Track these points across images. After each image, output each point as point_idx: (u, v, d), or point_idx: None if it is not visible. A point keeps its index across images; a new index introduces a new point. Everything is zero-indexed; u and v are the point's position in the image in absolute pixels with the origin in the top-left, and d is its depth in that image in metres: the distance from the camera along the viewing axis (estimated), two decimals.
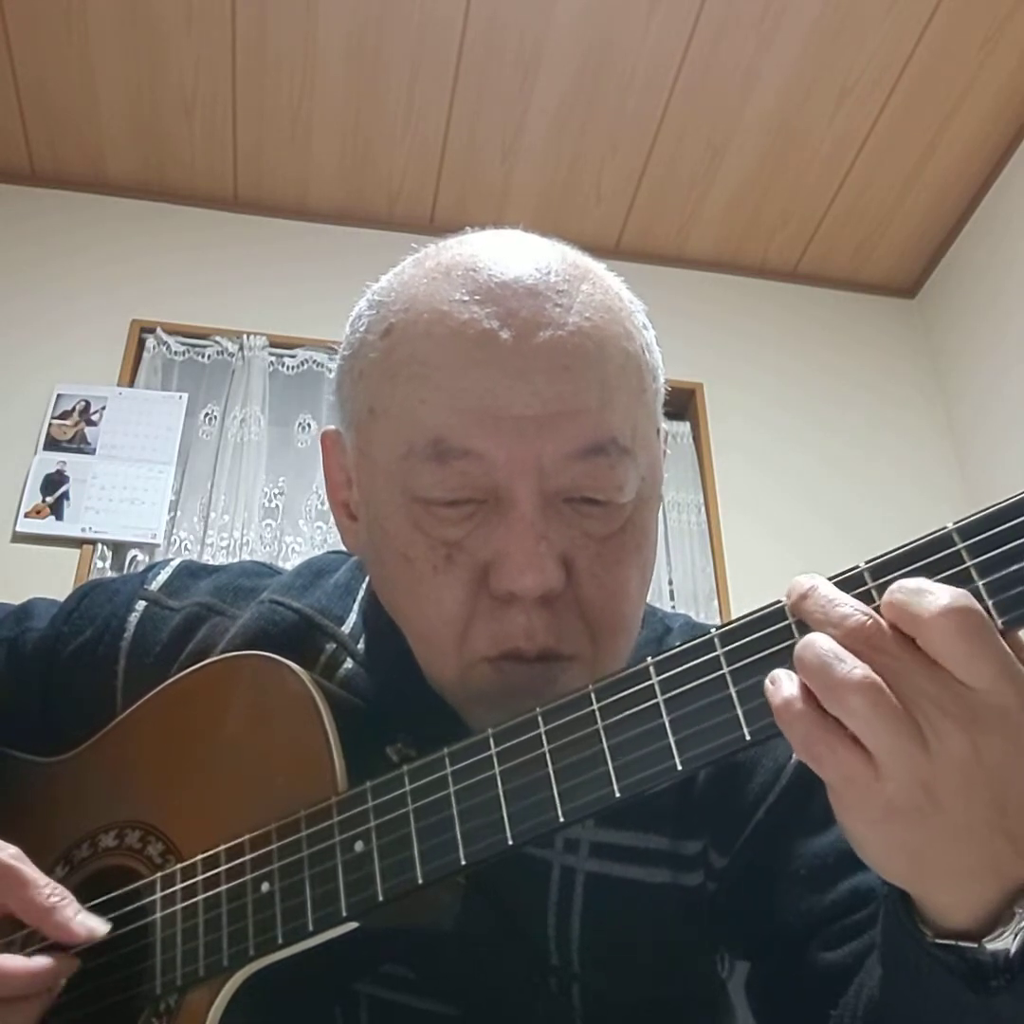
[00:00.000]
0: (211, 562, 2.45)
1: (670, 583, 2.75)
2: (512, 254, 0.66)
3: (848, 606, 0.49)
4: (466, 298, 0.64)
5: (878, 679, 0.47)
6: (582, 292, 0.65)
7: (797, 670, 0.49)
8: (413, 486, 0.64)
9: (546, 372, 0.62)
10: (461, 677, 0.65)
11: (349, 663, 0.76)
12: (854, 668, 0.47)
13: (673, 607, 2.66)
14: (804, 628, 0.51)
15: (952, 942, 0.49)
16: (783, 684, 0.49)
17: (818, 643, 0.48)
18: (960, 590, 0.47)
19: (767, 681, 0.50)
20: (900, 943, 0.53)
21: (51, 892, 0.66)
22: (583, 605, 0.64)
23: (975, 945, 0.49)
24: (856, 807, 0.49)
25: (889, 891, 0.53)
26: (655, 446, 0.70)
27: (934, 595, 0.47)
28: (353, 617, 0.78)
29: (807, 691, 0.48)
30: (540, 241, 0.70)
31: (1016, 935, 0.48)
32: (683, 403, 3.04)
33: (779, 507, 2.88)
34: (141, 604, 0.83)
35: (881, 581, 0.50)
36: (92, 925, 0.66)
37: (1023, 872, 0.48)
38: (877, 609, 0.49)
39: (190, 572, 0.86)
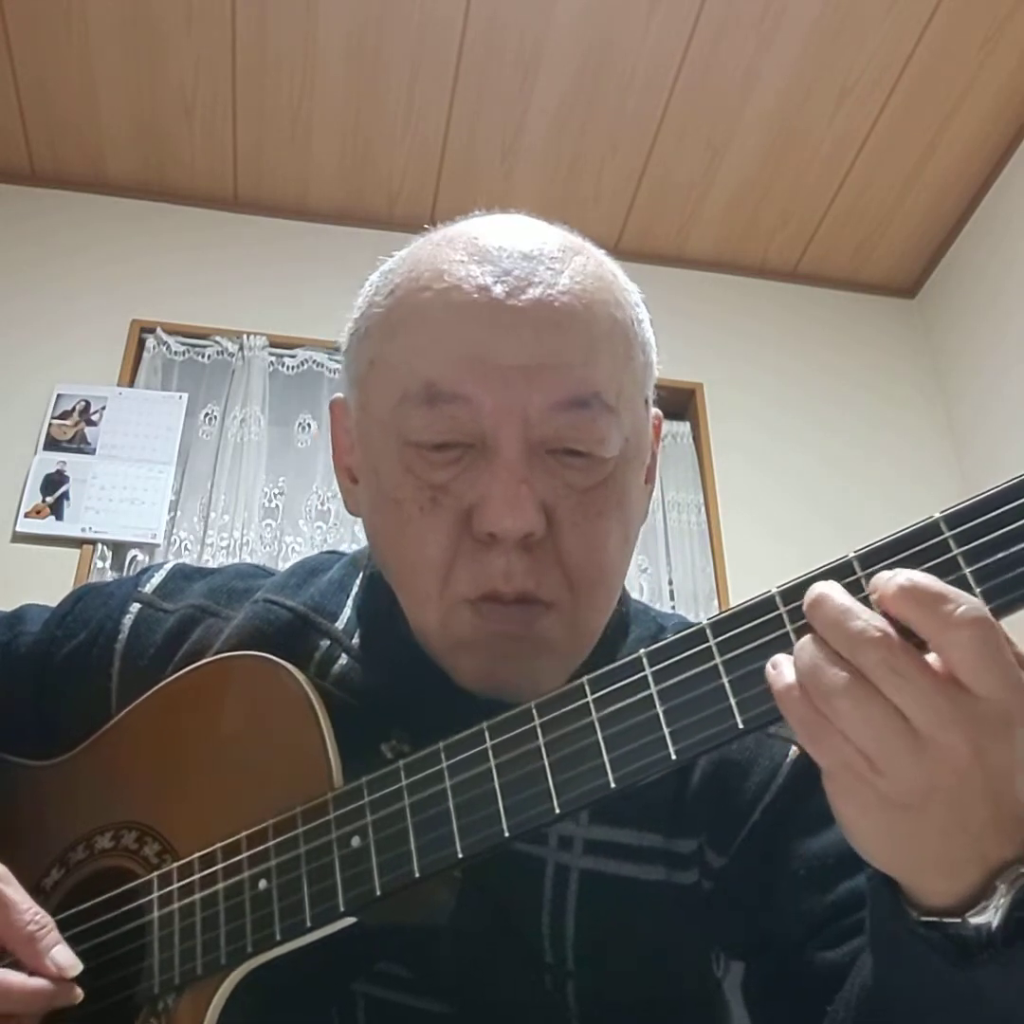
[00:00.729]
0: (211, 562, 2.46)
1: (670, 583, 2.75)
2: (514, 228, 0.71)
3: (861, 617, 0.48)
4: (464, 259, 0.68)
5: (867, 686, 0.47)
6: (575, 262, 0.69)
7: (795, 669, 0.50)
8: (405, 430, 0.66)
9: (534, 326, 0.65)
10: (443, 622, 0.67)
11: (344, 659, 0.76)
12: (839, 673, 0.48)
13: (673, 607, 2.66)
14: (796, 616, 0.52)
15: (936, 919, 0.50)
16: (784, 669, 0.50)
17: (808, 646, 0.49)
18: (977, 601, 0.47)
19: (768, 666, 0.51)
20: (887, 925, 0.53)
21: (31, 919, 0.65)
22: (562, 554, 0.66)
23: (958, 920, 0.49)
24: (848, 794, 0.49)
25: (875, 875, 0.53)
26: (642, 414, 0.72)
27: (955, 604, 0.47)
28: (347, 613, 0.79)
29: None
30: (544, 223, 0.73)
31: (998, 909, 0.49)
32: (683, 403, 3.04)
33: (779, 507, 2.88)
34: (135, 607, 0.83)
35: (869, 570, 0.51)
36: (64, 964, 0.65)
37: (1006, 853, 0.49)
38: (872, 600, 0.49)
39: (184, 575, 0.86)
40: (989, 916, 0.49)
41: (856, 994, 0.61)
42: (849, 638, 0.48)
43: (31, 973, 0.65)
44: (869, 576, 0.51)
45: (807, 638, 0.50)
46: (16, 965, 0.65)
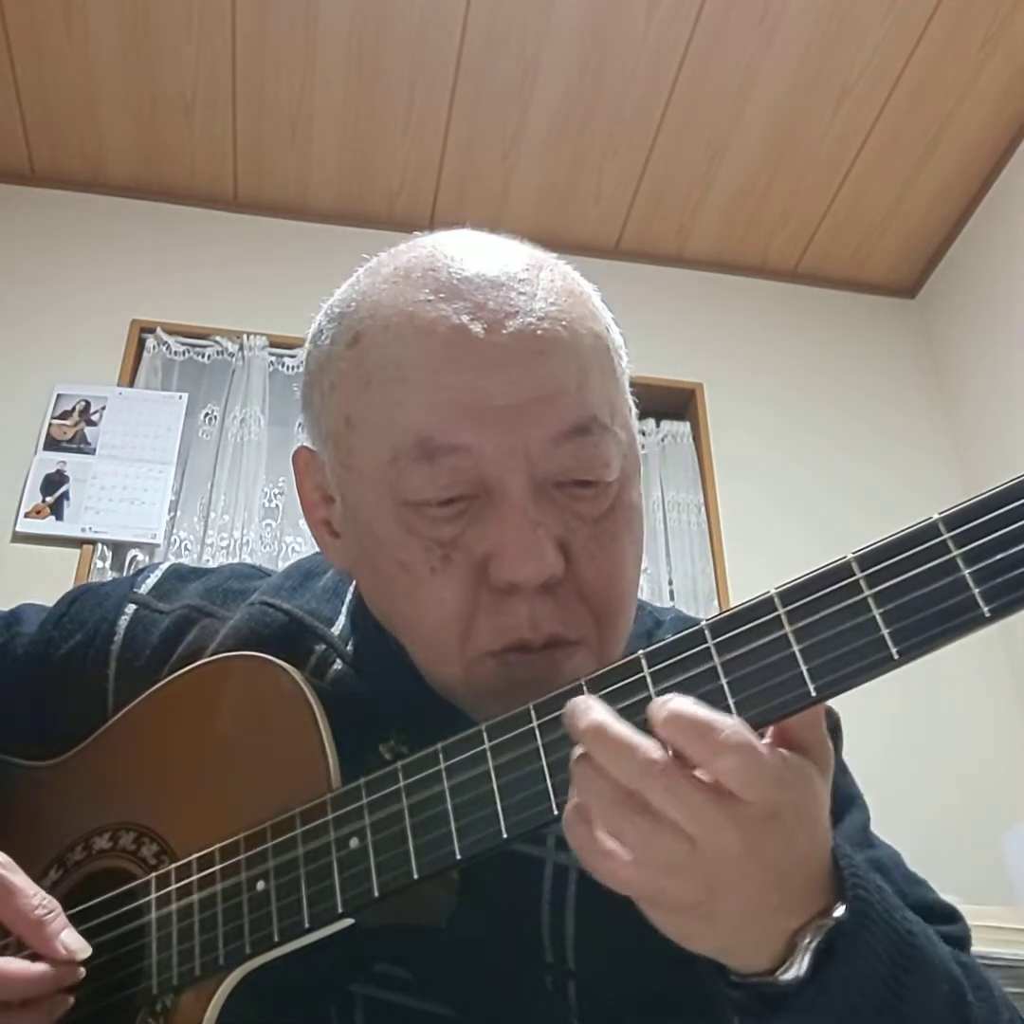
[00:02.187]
0: (211, 562, 2.45)
1: (670, 583, 2.75)
2: (468, 250, 0.67)
3: (640, 751, 0.50)
4: (431, 297, 0.64)
5: (643, 815, 0.50)
6: (543, 279, 0.66)
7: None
8: (403, 490, 0.63)
9: (521, 360, 0.63)
10: (466, 675, 0.65)
11: (339, 664, 0.75)
12: (618, 801, 0.50)
13: (672, 607, 2.65)
14: (795, 618, 0.52)
15: (746, 979, 0.54)
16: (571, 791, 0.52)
17: (586, 777, 0.51)
18: (736, 724, 0.49)
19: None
20: (711, 980, 0.57)
21: (39, 904, 0.66)
22: (583, 588, 0.64)
23: (771, 979, 0.53)
24: (645, 902, 0.53)
25: None
26: (631, 425, 0.71)
27: (717, 731, 0.49)
28: (342, 619, 0.78)
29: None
30: (491, 236, 0.70)
31: (804, 960, 0.52)
32: (683, 403, 3.04)
33: (779, 507, 2.87)
34: (131, 607, 0.83)
35: (868, 571, 0.51)
36: (74, 947, 0.65)
37: (802, 919, 0.53)
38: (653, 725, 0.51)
39: (179, 575, 0.86)
40: (796, 971, 0.52)
41: None
42: (635, 770, 0.50)
43: (38, 958, 0.65)
44: (868, 578, 0.51)
45: (583, 766, 0.51)
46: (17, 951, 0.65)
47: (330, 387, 0.68)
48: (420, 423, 0.63)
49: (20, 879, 0.66)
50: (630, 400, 0.72)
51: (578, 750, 0.52)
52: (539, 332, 0.64)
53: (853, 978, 0.52)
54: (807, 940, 0.52)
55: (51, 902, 0.66)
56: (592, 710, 0.52)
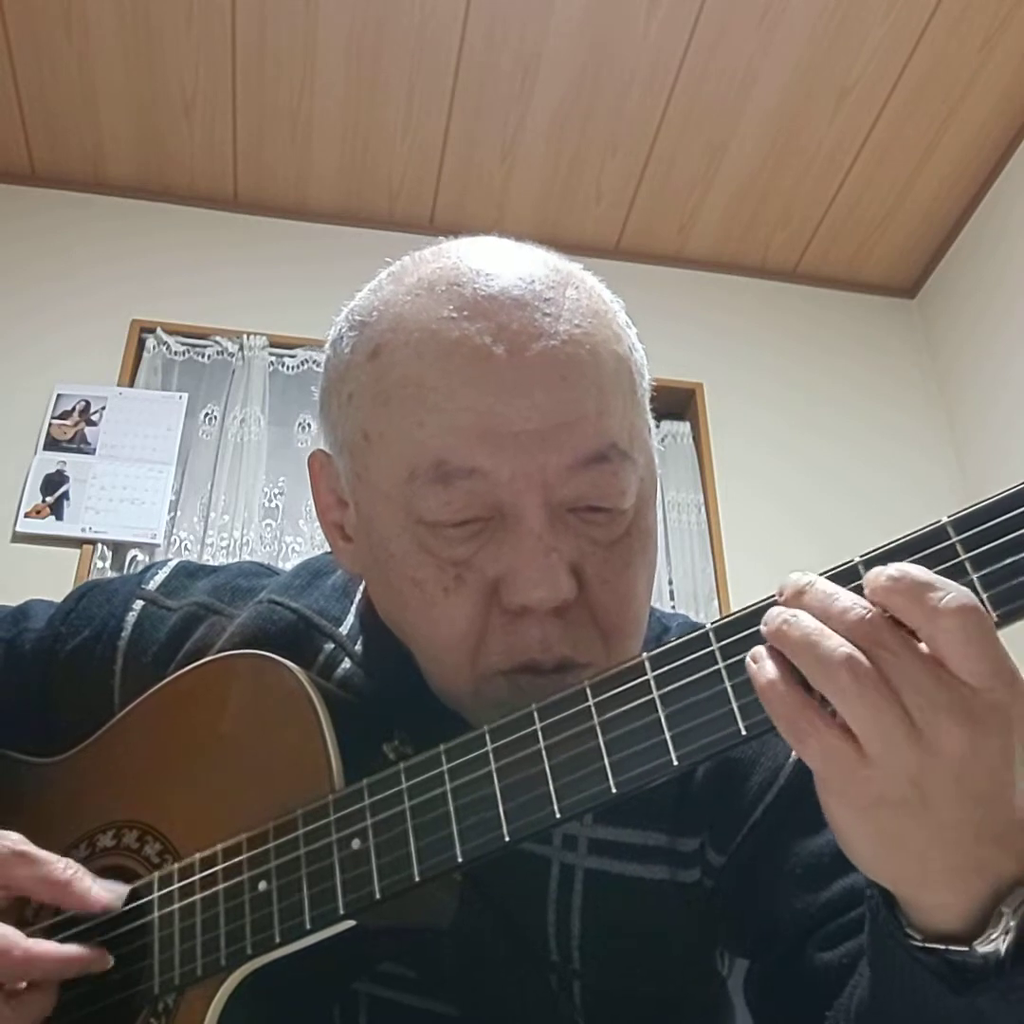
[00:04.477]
0: (211, 562, 2.45)
1: (670, 583, 2.75)
2: (493, 264, 0.66)
3: (848, 599, 0.48)
4: (455, 315, 0.63)
5: (865, 661, 0.47)
6: (568, 298, 0.65)
7: (782, 647, 0.49)
8: (419, 509, 0.63)
9: (543, 384, 0.62)
10: (475, 690, 0.65)
11: (347, 663, 0.76)
12: (840, 646, 0.47)
13: (673, 607, 2.66)
14: None
15: (938, 946, 0.49)
16: (766, 663, 0.49)
17: (803, 621, 0.48)
18: (965, 589, 0.47)
19: (749, 659, 0.50)
20: (884, 946, 0.52)
21: (66, 866, 0.67)
22: (595, 611, 0.64)
23: (965, 948, 0.48)
24: (840, 792, 0.48)
25: (873, 892, 0.52)
26: (650, 445, 0.71)
27: (942, 592, 0.46)
28: (350, 619, 0.78)
29: (791, 669, 0.48)
30: (517, 247, 0.69)
31: (1006, 934, 0.47)
32: (683, 403, 3.04)
33: (779, 506, 2.87)
34: (138, 604, 0.83)
35: None
36: (110, 896, 0.67)
37: (1011, 870, 0.48)
38: (869, 592, 0.49)
39: (187, 572, 0.86)
40: (997, 944, 0.48)
41: (854, 1006, 0.60)
42: (839, 615, 0.48)
43: (77, 917, 0.67)
44: None
45: (796, 615, 0.49)
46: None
47: (348, 398, 0.68)
48: (438, 444, 0.62)
49: (40, 851, 0.67)
50: (650, 419, 0.71)
51: (785, 614, 0.49)
52: (562, 356, 0.63)
53: None
54: (1017, 906, 0.47)
55: (75, 864, 0.68)
56: (800, 573, 0.50)
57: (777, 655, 0.49)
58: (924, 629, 0.47)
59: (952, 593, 0.46)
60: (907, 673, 0.46)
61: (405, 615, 0.67)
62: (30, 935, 0.66)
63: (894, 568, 0.48)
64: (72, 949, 0.66)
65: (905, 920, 0.51)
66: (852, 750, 0.47)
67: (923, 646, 0.47)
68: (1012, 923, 0.47)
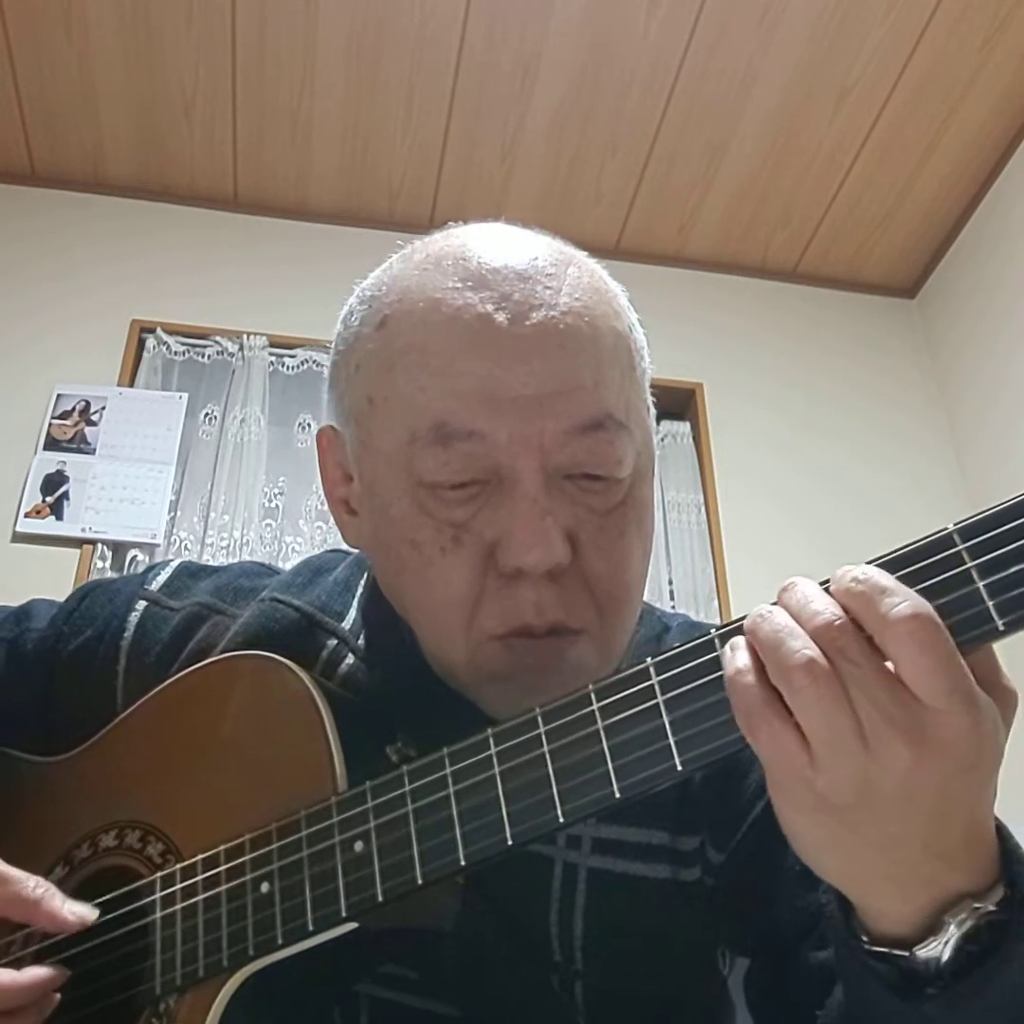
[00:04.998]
0: (211, 562, 2.45)
1: (670, 583, 2.75)
2: (499, 242, 0.69)
3: (822, 603, 0.49)
4: (459, 285, 0.65)
5: (826, 666, 0.47)
6: (570, 274, 0.67)
7: (754, 640, 0.50)
8: (418, 471, 0.65)
9: (542, 352, 0.64)
10: (470, 658, 0.66)
11: (350, 659, 0.76)
12: (804, 648, 0.48)
13: (673, 607, 2.66)
14: None
15: (885, 950, 0.50)
16: (739, 653, 0.50)
17: (775, 617, 0.49)
18: (922, 599, 0.47)
19: (727, 647, 0.51)
20: (841, 949, 0.53)
21: (36, 885, 0.67)
22: (589, 578, 0.65)
23: (908, 953, 0.49)
24: (786, 790, 0.49)
25: (830, 895, 0.53)
26: (648, 424, 0.72)
27: (897, 598, 0.47)
28: (353, 613, 0.79)
29: (759, 663, 0.49)
30: (524, 231, 0.72)
31: (946, 942, 0.48)
32: (683, 403, 3.04)
33: (779, 506, 2.87)
34: (141, 604, 0.84)
35: None
36: (81, 912, 0.67)
37: (957, 884, 0.48)
38: (834, 591, 0.49)
39: (190, 572, 0.87)
40: (937, 951, 0.48)
41: (836, 1007, 0.61)
42: (809, 618, 0.48)
43: (45, 953, 0.66)
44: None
45: (771, 611, 0.50)
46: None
47: (356, 367, 0.70)
48: (439, 407, 0.64)
49: (11, 869, 0.67)
50: (649, 400, 0.73)
51: (763, 609, 0.50)
52: (561, 326, 0.65)
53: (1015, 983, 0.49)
54: (961, 918, 0.48)
55: (45, 882, 0.68)
56: (797, 576, 0.51)
57: (751, 647, 0.50)
58: (878, 634, 0.47)
59: (907, 601, 0.47)
60: (864, 685, 0.47)
61: (402, 580, 0.68)
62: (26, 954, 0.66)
63: (859, 570, 0.49)
64: (30, 974, 0.65)
65: (858, 924, 0.52)
66: (801, 750, 0.48)
67: (889, 664, 0.47)
68: (954, 931, 0.48)
